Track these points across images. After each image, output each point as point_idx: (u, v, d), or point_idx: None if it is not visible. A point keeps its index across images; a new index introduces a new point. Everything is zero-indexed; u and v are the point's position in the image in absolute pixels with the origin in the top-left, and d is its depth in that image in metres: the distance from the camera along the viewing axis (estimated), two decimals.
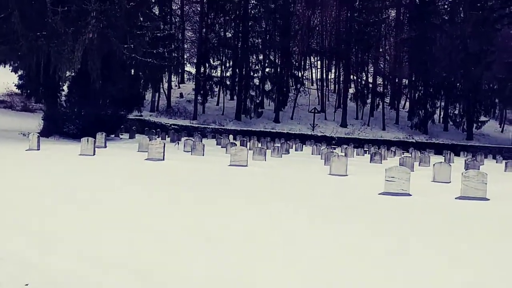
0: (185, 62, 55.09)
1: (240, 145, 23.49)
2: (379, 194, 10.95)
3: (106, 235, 5.84)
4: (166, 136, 35.80)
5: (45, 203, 7.76)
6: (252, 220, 7.11)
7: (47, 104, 28.70)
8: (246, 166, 16.27)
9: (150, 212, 7.35)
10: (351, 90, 56.73)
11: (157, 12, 41.73)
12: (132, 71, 33.06)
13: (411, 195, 10.94)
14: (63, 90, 30.30)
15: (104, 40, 24.06)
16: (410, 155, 28.58)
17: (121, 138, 30.70)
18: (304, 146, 35.62)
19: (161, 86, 48.22)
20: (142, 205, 7.93)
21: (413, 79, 55.44)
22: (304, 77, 59.25)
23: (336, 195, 10.61)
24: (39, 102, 39.72)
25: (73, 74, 26.92)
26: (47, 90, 28.19)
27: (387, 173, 11.19)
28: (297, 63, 56.26)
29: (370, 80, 57.49)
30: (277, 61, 52.85)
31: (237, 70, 50.17)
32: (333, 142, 44.01)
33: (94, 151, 18.21)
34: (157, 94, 47.67)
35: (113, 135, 30.17)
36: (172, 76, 51.88)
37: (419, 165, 23.28)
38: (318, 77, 60.81)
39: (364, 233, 6.67)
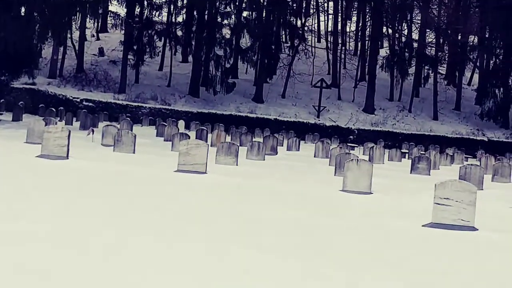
0: None
1: (196, 138, 23.64)
2: (423, 226, 10.96)
3: None
4: (74, 119, 36.05)
5: None
6: None
7: None
8: (205, 173, 16.36)
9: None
10: (383, 52, 56.94)
11: None
12: (23, 10, 33.31)
13: (476, 229, 10.91)
14: None
15: None
16: (478, 163, 28.72)
17: None
18: (302, 142, 35.71)
19: (69, 36, 47.82)
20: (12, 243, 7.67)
21: (487, 36, 55.73)
22: (306, 29, 59.28)
23: (352, 228, 10.51)
24: None
25: None
26: None
27: (437, 191, 11.17)
28: (295, 5, 56.22)
29: (415, 36, 57.76)
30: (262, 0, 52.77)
31: (195, 13, 49.95)
32: (351, 137, 44.07)
33: None
34: (61, 49, 47.44)
35: None
36: (88, 19, 51.43)
37: (492, 180, 23.38)
38: (329, 30, 60.93)
39: None
